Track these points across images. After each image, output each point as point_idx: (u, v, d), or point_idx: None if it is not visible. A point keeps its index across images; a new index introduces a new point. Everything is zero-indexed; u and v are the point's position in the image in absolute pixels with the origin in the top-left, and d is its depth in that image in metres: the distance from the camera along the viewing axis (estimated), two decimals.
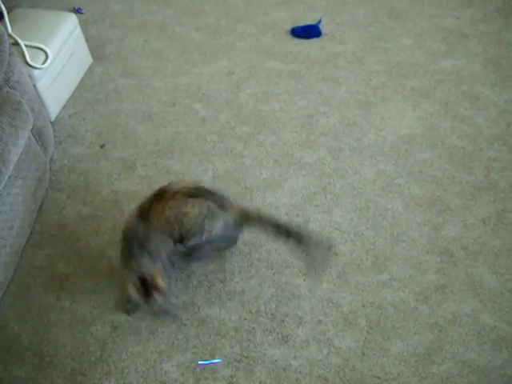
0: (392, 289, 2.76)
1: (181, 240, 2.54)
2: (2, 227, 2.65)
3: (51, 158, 3.32)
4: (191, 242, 2.55)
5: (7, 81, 2.77)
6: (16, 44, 3.26)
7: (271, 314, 2.70)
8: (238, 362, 2.56)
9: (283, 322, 2.68)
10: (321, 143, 3.38)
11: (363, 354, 2.57)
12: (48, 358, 2.62)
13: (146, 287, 2.44)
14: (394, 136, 3.40)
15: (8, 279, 2.82)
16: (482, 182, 3.15)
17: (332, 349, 2.59)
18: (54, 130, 3.40)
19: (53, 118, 3.55)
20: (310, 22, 4.12)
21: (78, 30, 3.68)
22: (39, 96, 3.26)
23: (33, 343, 2.67)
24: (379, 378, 2.50)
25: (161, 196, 2.49)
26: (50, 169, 3.27)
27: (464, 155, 3.28)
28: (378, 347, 2.59)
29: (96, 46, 4.04)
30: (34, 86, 3.20)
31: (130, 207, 2.79)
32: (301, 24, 4.12)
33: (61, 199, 3.18)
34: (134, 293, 2.47)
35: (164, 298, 2.48)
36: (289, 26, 4.13)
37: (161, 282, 2.45)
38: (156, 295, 2.44)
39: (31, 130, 2.89)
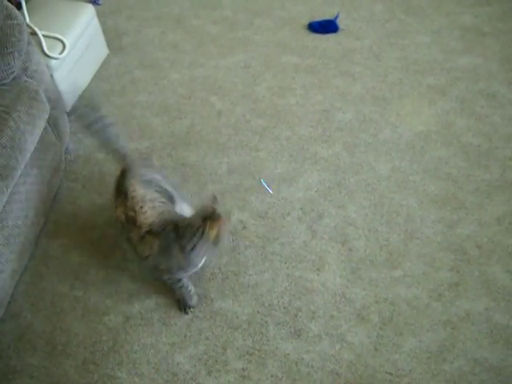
0: (405, 285, 2.76)
1: None
2: (17, 216, 2.66)
3: (66, 148, 3.34)
4: None
5: (25, 70, 2.79)
6: (34, 34, 3.28)
7: (284, 307, 2.70)
8: (250, 354, 2.56)
9: (296, 316, 2.68)
10: (336, 138, 3.38)
11: (375, 350, 2.56)
12: (60, 347, 2.63)
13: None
14: (410, 133, 3.39)
15: (22, 268, 2.83)
16: (497, 180, 3.14)
17: (344, 344, 2.58)
18: (70, 121, 3.41)
19: (69, 109, 3.55)
20: (327, 17, 4.12)
21: (95, 20, 3.70)
22: (56, 86, 3.27)
23: (45, 332, 2.68)
24: (391, 374, 2.49)
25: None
26: (65, 159, 3.28)
27: (479, 153, 3.27)
28: (391, 343, 2.58)
29: (113, 38, 4.06)
30: (51, 75, 3.21)
31: None
32: (318, 19, 4.12)
33: (75, 189, 3.20)
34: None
35: None
36: (306, 21, 4.13)
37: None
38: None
39: (47, 120, 2.90)
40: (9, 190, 2.49)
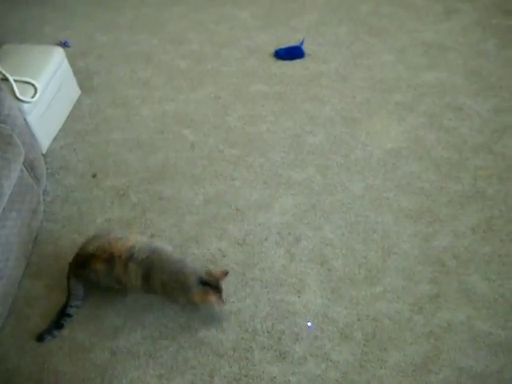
0: (386, 301, 2.79)
1: None
2: None
3: (44, 190, 3.35)
4: None
5: None
6: (5, 79, 3.31)
7: (268, 332, 2.72)
8: (238, 381, 2.57)
9: (280, 339, 2.69)
10: (309, 162, 3.43)
11: (361, 367, 2.58)
12: None
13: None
14: (381, 150, 3.45)
15: (6, 311, 2.83)
16: (469, 190, 3.19)
17: (330, 363, 2.60)
18: (46, 162, 3.44)
19: (44, 150, 3.58)
20: (293, 43, 4.20)
21: (66, 63, 3.75)
22: (30, 129, 3.30)
23: (33, 373, 2.67)
24: None
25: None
26: (44, 200, 3.29)
27: (450, 165, 3.33)
28: (376, 359, 2.60)
29: (84, 78, 4.10)
30: (25, 119, 3.24)
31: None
32: (284, 46, 4.19)
33: (55, 230, 3.21)
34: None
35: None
36: (272, 49, 4.21)
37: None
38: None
39: (23, 163, 2.93)
40: None
